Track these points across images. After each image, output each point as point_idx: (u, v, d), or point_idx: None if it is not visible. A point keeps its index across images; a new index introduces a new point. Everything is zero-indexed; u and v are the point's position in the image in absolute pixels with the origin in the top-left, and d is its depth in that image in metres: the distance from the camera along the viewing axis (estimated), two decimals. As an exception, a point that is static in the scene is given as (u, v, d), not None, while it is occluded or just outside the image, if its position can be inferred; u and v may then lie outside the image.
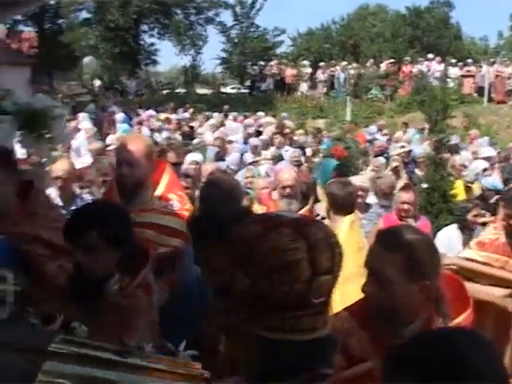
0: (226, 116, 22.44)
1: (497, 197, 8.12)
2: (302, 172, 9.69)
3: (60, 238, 3.53)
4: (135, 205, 4.35)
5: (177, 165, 7.59)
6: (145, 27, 39.70)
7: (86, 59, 37.11)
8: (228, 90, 36.97)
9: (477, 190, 9.83)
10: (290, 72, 31.44)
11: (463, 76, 28.60)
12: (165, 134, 16.87)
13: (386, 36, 39.93)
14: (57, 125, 4.18)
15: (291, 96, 30.15)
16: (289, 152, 13.00)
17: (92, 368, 2.08)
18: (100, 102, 26.33)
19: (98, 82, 32.95)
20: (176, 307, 3.91)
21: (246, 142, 15.64)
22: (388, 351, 1.80)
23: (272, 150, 13.87)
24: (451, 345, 1.66)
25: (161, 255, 4.04)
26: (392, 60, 31.14)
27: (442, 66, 29.15)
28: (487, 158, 12.10)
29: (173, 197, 4.67)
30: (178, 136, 16.81)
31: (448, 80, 27.61)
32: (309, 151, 14.44)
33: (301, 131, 18.95)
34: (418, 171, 11.64)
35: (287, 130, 17.30)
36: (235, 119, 21.64)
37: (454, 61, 29.97)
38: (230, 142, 15.52)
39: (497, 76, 27.50)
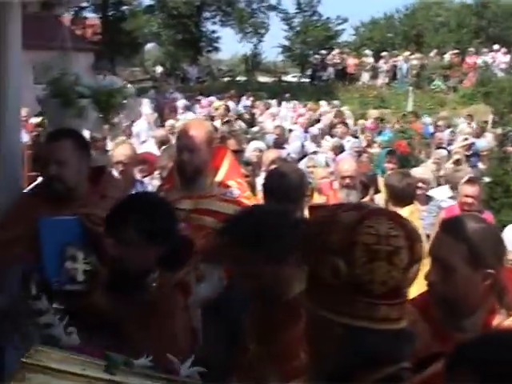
0: (281, 104, 22.34)
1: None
2: (362, 162, 9.56)
3: None
4: (195, 191, 4.38)
5: (237, 152, 7.55)
6: (207, 14, 39.79)
7: (149, 46, 37.49)
8: (289, 78, 36.83)
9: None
10: (351, 61, 31.15)
11: (530, 68, 27.97)
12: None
13: (450, 26, 39.18)
14: (130, 104, 4.23)
15: (352, 86, 29.89)
16: (350, 142, 12.89)
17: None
18: (161, 88, 26.50)
19: (159, 69, 33.18)
20: (231, 296, 3.86)
21: (306, 131, 15.55)
22: (451, 348, 1.76)
23: (333, 139, 13.75)
24: None
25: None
26: (456, 50, 30.52)
27: (507, 58, 28.52)
28: (554, 153, 11.76)
29: (232, 184, 4.62)
30: (238, 123, 16.79)
31: (514, 72, 27.05)
32: (364, 142, 14.25)
33: (362, 121, 18.75)
34: (480, 165, 11.40)
35: (347, 120, 17.15)
36: (295, 108, 21.54)
37: (520, 52, 29.30)
38: (290, 130, 15.44)
39: None
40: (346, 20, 40.55)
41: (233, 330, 3.15)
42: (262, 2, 39.60)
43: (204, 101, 22.07)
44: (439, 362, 2.44)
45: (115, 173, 6.21)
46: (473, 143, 12.89)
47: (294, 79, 35.81)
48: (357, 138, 14.29)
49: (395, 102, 26.45)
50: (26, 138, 9.81)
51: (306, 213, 4.44)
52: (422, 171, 7.75)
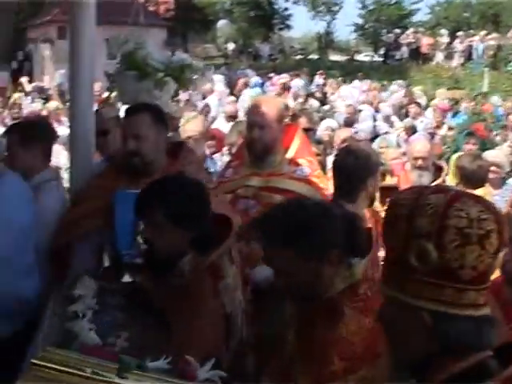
0: (352, 83, 22.09)
1: None
2: (435, 144, 9.36)
3: None
4: (264, 168, 4.33)
5: (308, 130, 7.47)
6: (280, -9, 39.59)
7: (221, 23, 37.52)
8: (361, 57, 36.41)
9: None
10: (426, 41, 30.60)
11: None
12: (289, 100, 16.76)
13: (529, 5, 38.10)
14: (200, 80, 4.21)
15: (426, 66, 29.36)
16: (423, 123, 12.65)
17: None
18: (233, 65, 26.51)
19: (231, 46, 33.22)
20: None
21: (377, 111, 15.34)
22: None
23: (405, 120, 13.51)
24: None
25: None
26: (535, 31, 29.71)
27: None
28: None
29: (303, 162, 4.54)
30: (310, 102, 16.68)
31: None
32: (433, 122, 13.93)
33: (434, 102, 18.38)
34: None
35: (420, 101, 16.84)
36: (367, 87, 21.27)
37: None
38: (361, 109, 15.25)
39: None
40: (421, -1, 39.84)
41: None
42: (336, -20, 39.19)
43: (275, 78, 21.97)
44: None
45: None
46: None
47: (367, 58, 35.40)
48: (429, 119, 13.99)
49: (470, 83, 25.84)
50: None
51: (378, 194, 4.38)
52: (495, 154, 7.53)
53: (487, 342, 1.71)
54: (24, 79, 18.08)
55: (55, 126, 7.32)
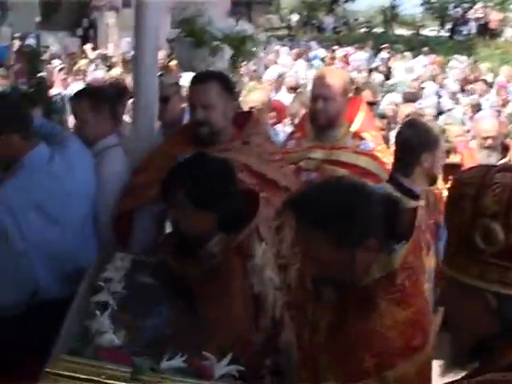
0: (417, 57, 21.70)
1: None
2: (501, 122, 9.12)
3: (271, 171, 3.62)
4: (328, 141, 4.30)
5: (372, 104, 7.36)
6: (345, -37, 39.00)
7: (286, -7, 37.17)
8: (427, 32, 35.70)
9: None
10: (494, 16, 29.83)
11: None
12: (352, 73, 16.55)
13: None
14: (259, 52, 4.17)
15: (493, 42, 28.65)
16: (489, 101, 12.35)
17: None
18: (297, 36, 26.31)
19: (295, 17, 32.96)
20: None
21: (441, 87, 15.03)
22: None
23: (471, 97, 13.21)
24: None
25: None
26: None
27: None
28: None
29: (367, 136, 4.49)
30: (374, 75, 16.46)
31: None
32: (499, 100, 13.56)
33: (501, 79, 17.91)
34: None
35: (486, 78, 16.44)
36: (433, 62, 20.87)
37: None
38: (425, 86, 14.97)
39: None
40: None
41: None
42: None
43: (339, 51, 21.74)
44: None
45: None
46: None
47: (433, 33, 34.69)
48: (495, 96, 13.65)
49: (539, 61, 25.19)
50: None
51: (442, 171, 4.28)
52: None
53: None
54: (88, 46, 18.24)
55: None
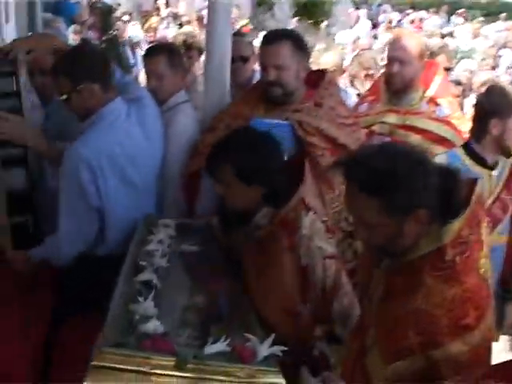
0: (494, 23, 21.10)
1: None
2: None
3: (343, 136, 3.56)
4: (402, 106, 4.25)
5: (446, 70, 7.17)
6: None
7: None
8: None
9: None
10: None
11: None
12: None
13: None
14: (337, 11, 4.07)
15: None
16: None
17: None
18: (371, 0, 25.89)
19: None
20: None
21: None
22: None
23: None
24: None
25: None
26: None
27: None
28: None
29: (442, 102, 4.39)
30: (448, 40, 16.08)
31: None
32: None
33: None
34: None
35: None
36: (509, 29, 20.26)
37: None
38: (501, 54, 14.55)
39: None
40: None
41: None
42: None
43: (413, 15, 21.33)
44: None
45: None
46: None
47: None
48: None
49: None
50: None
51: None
52: None
53: None
54: (162, 1, 18.18)
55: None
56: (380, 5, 23.35)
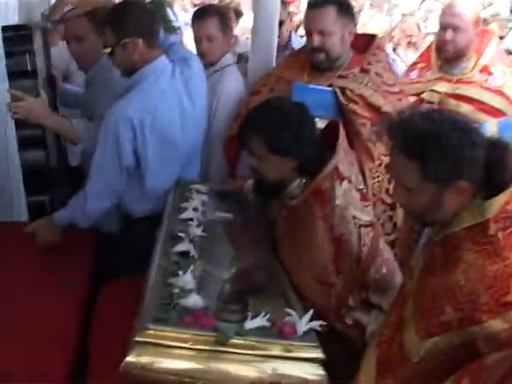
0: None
1: None
2: None
3: (387, 104, 3.48)
4: (454, 74, 4.16)
5: (500, 38, 7.00)
6: None
7: None
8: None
9: None
10: None
11: None
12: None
13: None
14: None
15: None
16: None
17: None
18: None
19: None
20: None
21: None
22: None
23: None
24: None
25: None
26: None
27: None
28: None
29: (495, 71, 4.25)
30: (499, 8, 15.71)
31: None
32: None
33: None
34: None
35: None
36: None
37: None
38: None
39: None
40: None
41: None
42: None
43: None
44: None
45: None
46: None
47: None
48: None
49: None
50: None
51: None
52: None
53: None
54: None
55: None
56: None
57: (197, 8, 4.90)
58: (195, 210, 3.02)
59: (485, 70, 4.21)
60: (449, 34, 4.07)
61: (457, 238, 2.08)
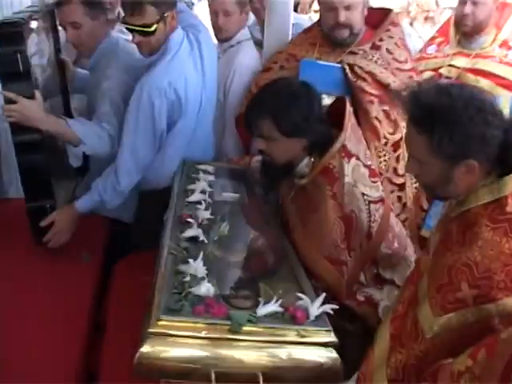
0: None
1: None
2: None
3: (396, 82, 3.44)
4: (472, 49, 4.07)
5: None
6: None
7: None
8: None
9: None
10: None
11: None
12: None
13: None
14: None
15: None
16: None
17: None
18: None
19: None
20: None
21: None
22: None
23: None
24: None
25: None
26: None
27: None
28: None
29: (515, 45, 4.17)
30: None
31: None
32: None
33: None
34: None
35: None
36: None
37: None
38: None
39: None
40: None
41: None
42: None
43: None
44: None
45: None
46: None
47: None
48: None
49: None
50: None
51: None
52: None
53: None
54: None
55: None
56: None
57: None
58: (203, 192, 3.00)
59: (504, 44, 4.12)
60: (468, 8, 3.98)
61: (473, 215, 2.04)
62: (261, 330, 2.04)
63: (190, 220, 2.66)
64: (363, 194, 2.74)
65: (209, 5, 4.00)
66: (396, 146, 3.46)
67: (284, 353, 2.03)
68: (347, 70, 3.46)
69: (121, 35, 3.80)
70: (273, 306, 2.11)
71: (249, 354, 2.00)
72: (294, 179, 2.82)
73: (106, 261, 3.47)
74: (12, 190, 4.26)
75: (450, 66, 4.00)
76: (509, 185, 2.00)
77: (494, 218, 1.99)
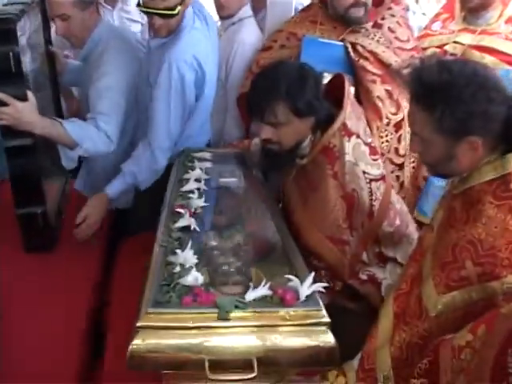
0: None
1: None
2: None
3: (398, 61, 3.44)
4: (478, 25, 3.98)
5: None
6: None
7: None
8: None
9: None
10: None
11: None
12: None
13: None
14: None
15: None
16: None
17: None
18: None
19: None
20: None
21: None
22: None
23: None
24: None
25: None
26: None
27: None
28: None
29: (522, 22, 4.12)
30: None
31: None
32: None
33: None
34: None
35: None
36: None
37: None
38: None
39: None
40: None
41: None
42: None
43: None
44: None
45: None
46: None
47: None
48: None
49: None
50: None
51: None
52: None
53: None
54: None
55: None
56: None
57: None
58: (197, 180, 2.98)
59: (510, 20, 4.05)
60: (475, -17, 3.91)
61: (477, 192, 2.04)
62: (249, 314, 2.03)
63: (180, 210, 2.64)
64: (364, 172, 2.73)
65: None
66: (398, 126, 3.45)
67: (275, 336, 2.01)
68: (349, 49, 3.44)
69: (124, 14, 3.77)
70: (261, 290, 2.09)
71: (239, 340, 2.00)
72: (295, 160, 2.81)
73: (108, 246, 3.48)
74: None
75: (454, 42, 3.93)
76: None
77: (498, 195, 1.99)
